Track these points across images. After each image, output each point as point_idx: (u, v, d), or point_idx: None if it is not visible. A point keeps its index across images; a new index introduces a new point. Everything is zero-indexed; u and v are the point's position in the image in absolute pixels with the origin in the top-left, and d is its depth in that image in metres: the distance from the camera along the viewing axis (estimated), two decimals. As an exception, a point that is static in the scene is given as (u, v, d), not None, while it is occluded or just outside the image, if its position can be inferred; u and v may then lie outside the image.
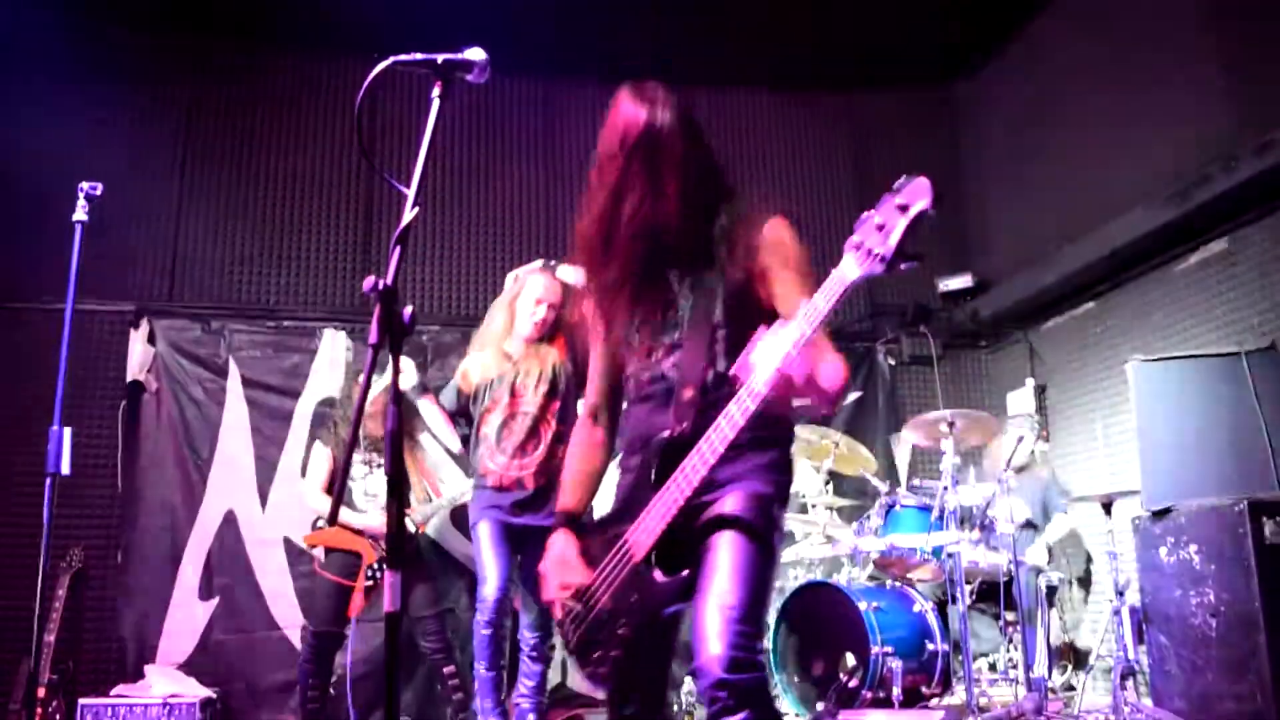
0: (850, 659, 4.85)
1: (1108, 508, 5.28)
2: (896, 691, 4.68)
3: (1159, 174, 5.67)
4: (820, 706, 4.73)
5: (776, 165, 7.46)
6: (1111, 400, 6.22)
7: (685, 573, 2.21)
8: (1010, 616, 5.16)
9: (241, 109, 6.84)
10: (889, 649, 4.78)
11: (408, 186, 1.93)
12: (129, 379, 6.29)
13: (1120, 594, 5.02)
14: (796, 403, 2.11)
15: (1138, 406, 5.07)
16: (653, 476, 2.25)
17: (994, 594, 5.22)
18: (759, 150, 7.48)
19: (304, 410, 6.44)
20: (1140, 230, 5.71)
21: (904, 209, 1.88)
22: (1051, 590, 5.60)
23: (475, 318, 6.61)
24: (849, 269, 1.94)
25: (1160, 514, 4.72)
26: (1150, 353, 5.46)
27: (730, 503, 2.24)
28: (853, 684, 4.81)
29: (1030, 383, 6.99)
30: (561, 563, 2.39)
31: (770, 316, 2.16)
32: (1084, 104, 6.41)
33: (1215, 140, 5.33)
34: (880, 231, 1.89)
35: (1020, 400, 7.00)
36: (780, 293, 2.30)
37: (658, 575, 2.23)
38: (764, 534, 2.24)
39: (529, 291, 4.82)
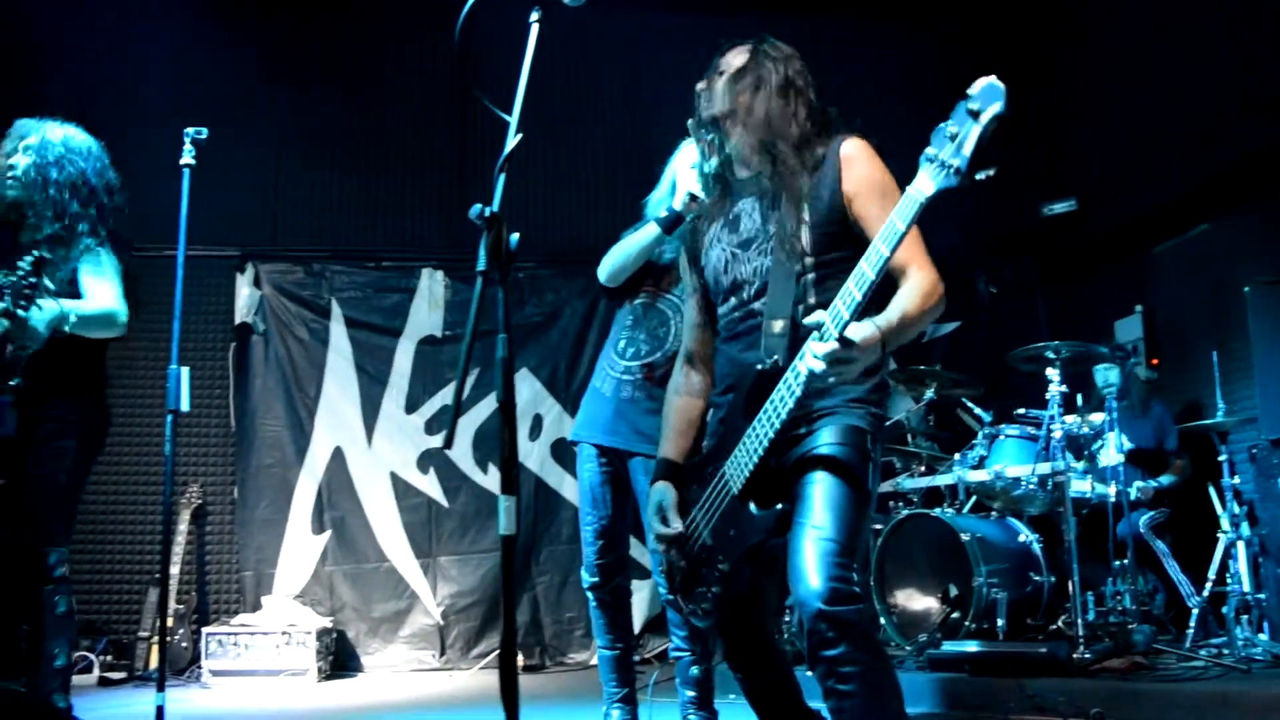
0: (953, 590, 4.81)
1: (1223, 437, 5.11)
2: (1000, 623, 4.64)
3: (1281, 85, 5.38)
4: (923, 638, 4.71)
5: (862, 95, 7.18)
6: (1227, 325, 5.98)
7: (779, 506, 2.20)
8: (1118, 548, 5.05)
9: (337, 53, 6.89)
10: (993, 580, 4.73)
11: (508, 115, 1.93)
12: (237, 321, 6.48)
13: (1235, 526, 4.89)
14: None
15: (1255, 331, 4.87)
16: (745, 410, 2.23)
17: (1102, 525, 5.11)
18: (844, 79, 7.21)
19: (405, 348, 6.57)
20: (1259, 145, 5.43)
21: (975, 115, 1.82)
22: (1161, 522, 5.47)
23: (571, 253, 6.63)
24: (923, 184, 1.89)
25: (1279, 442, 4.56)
26: (1270, 274, 5.23)
27: (824, 436, 2.22)
28: (955, 615, 4.78)
29: (1139, 309, 6.75)
30: (661, 514, 2.42)
31: (859, 243, 2.12)
32: (1199, 11, 6.08)
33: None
34: (953, 141, 1.84)
35: (1128, 327, 6.78)
36: (865, 217, 2.24)
37: (753, 509, 2.22)
38: (858, 468, 2.20)
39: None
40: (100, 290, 3.32)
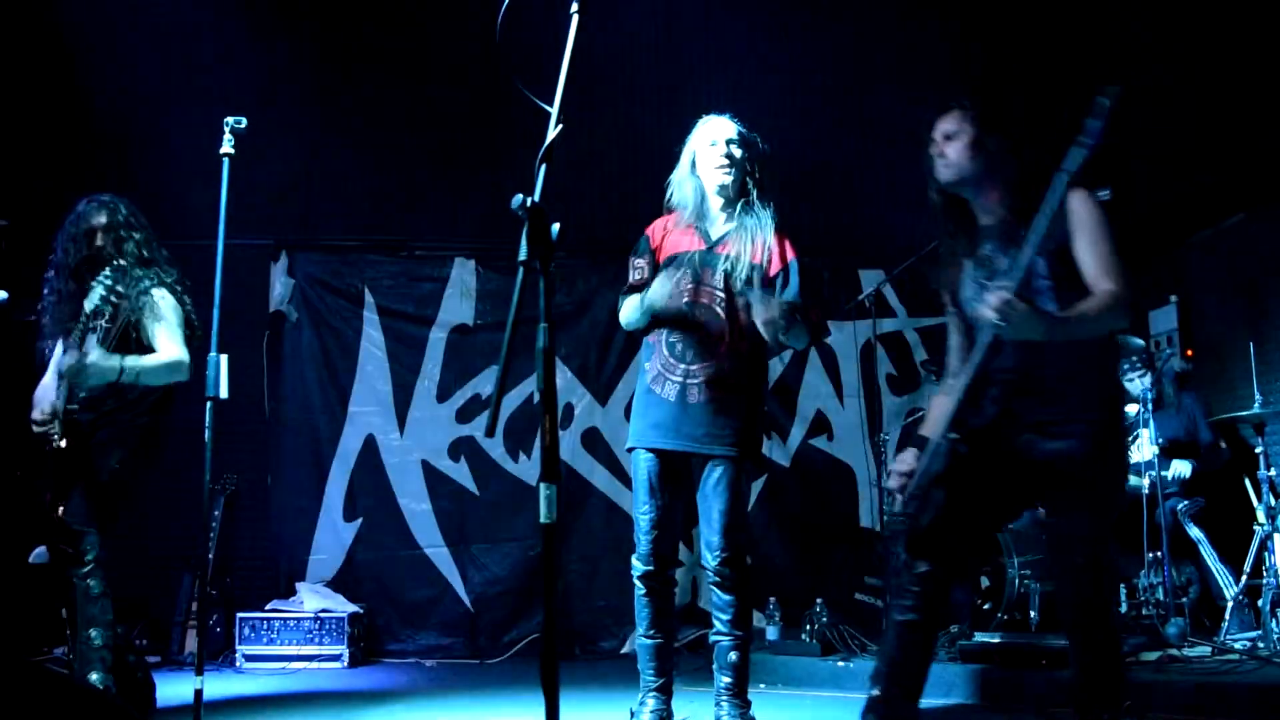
0: (985, 581, 4.80)
1: (1259, 429, 5.06)
2: (1033, 615, 4.62)
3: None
4: (954, 628, 4.70)
5: (910, 74, 7.03)
6: (1264, 316, 5.92)
7: (955, 435, 2.79)
8: (1153, 540, 5.01)
9: (371, 41, 6.90)
10: (1025, 572, 4.72)
11: (549, 105, 1.94)
12: (271, 310, 6.53)
13: (1271, 518, 4.84)
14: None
15: (1295, 322, 4.82)
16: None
17: (1136, 517, 5.08)
18: (896, 57, 7.05)
19: (437, 337, 6.61)
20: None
21: (1096, 113, 2.60)
22: (1196, 513, 5.42)
23: (602, 243, 6.61)
24: (1072, 159, 2.63)
25: (1318, 434, 4.51)
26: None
27: (1068, 448, 2.77)
28: (987, 606, 4.77)
29: (1174, 299, 6.69)
30: (901, 461, 2.96)
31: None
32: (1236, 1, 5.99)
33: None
34: (1086, 133, 2.61)
35: (1163, 318, 6.72)
36: (1077, 248, 2.77)
37: (947, 441, 2.80)
38: (1110, 470, 2.87)
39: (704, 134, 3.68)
40: (164, 341, 3.74)
